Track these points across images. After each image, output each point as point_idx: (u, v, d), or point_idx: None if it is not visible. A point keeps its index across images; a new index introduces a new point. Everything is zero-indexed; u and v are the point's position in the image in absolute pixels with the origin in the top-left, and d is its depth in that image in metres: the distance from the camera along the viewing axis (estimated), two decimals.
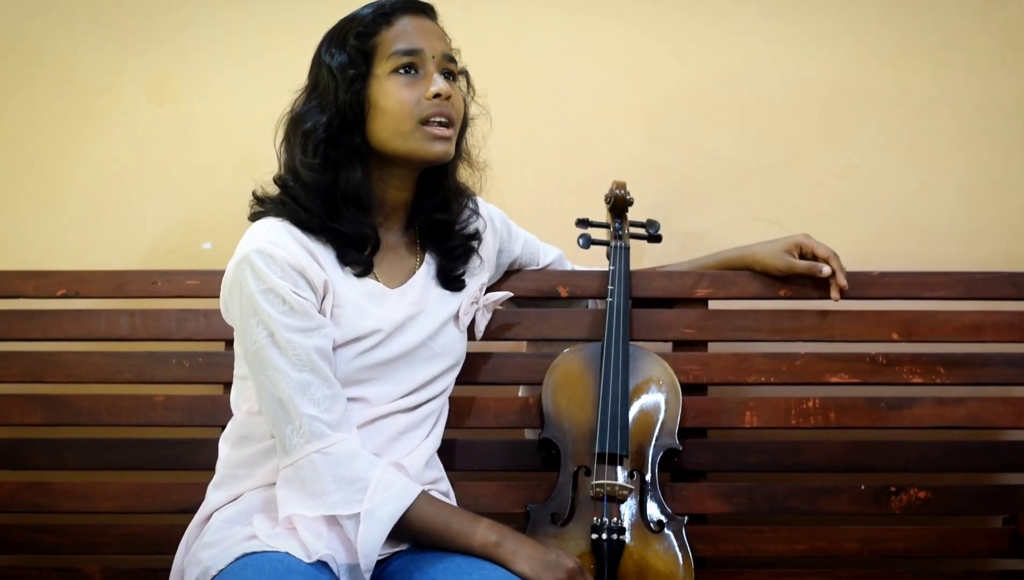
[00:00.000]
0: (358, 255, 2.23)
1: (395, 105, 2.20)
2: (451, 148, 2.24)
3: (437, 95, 2.20)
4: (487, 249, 2.45)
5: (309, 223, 2.20)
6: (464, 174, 2.38)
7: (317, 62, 2.27)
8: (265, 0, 2.95)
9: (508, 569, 2.08)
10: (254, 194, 2.27)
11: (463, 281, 2.37)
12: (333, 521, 2.11)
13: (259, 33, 2.93)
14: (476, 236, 2.40)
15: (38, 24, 2.95)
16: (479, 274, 2.42)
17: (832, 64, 2.93)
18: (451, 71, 2.26)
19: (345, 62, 2.21)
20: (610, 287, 2.55)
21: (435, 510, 2.14)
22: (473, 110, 2.36)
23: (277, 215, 2.21)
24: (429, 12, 2.28)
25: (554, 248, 2.65)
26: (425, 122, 2.20)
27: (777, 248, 2.61)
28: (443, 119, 2.21)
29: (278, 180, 2.26)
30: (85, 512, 2.61)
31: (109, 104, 2.94)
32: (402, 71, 2.21)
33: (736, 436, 2.66)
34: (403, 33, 2.22)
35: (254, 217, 2.25)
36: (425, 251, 2.35)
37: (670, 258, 2.76)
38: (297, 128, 2.24)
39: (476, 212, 2.41)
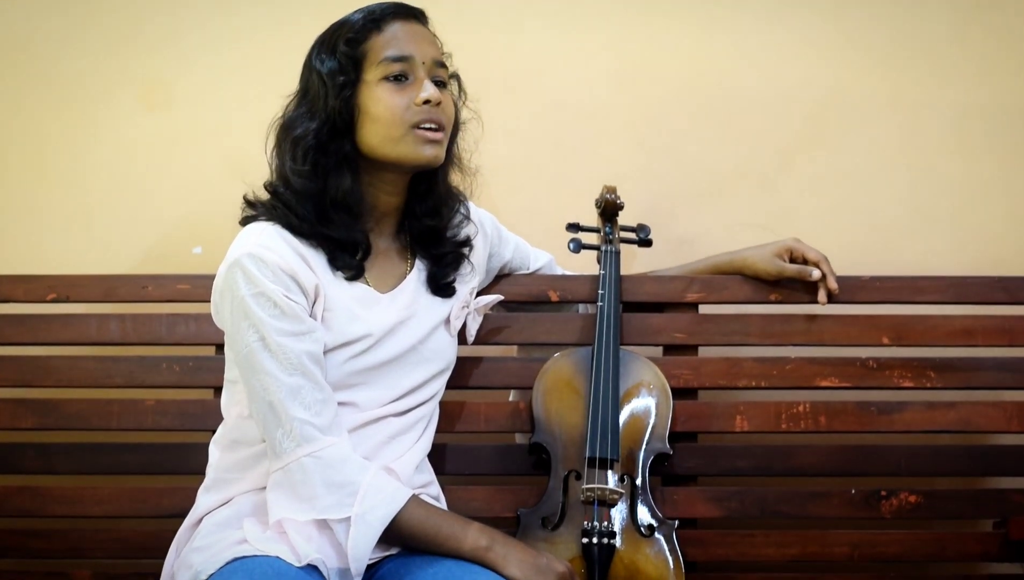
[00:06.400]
0: (349, 259, 2.23)
1: (385, 111, 2.19)
2: (442, 152, 2.24)
3: (427, 101, 2.20)
4: (477, 254, 2.45)
5: (300, 228, 2.20)
6: (455, 179, 2.38)
7: (308, 67, 2.26)
8: (256, 6, 2.95)
9: (499, 573, 2.09)
10: (245, 198, 2.27)
11: (453, 287, 2.37)
12: (323, 525, 2.11)
13: (250, 39, 2.93)
14: (467, 243, 2.40)
15: (28, 30, 2.95)
16: (469, 279, 2.42)
17: (823, 69, 2.93)
18: (441, 78, 2.26)
19: (335, 68, 2.21)
20: (600, 291, 2.55)
21: (425, 514, 2.14)
22: (465, 115, 2.35)
23: (268, 219, 2.21)
24: (420, 17, 2.28)
25: (544, 252, 2.66)
26: (415, 127, 2.20)
27: (767, 252, 2.61)
28: (433, 124, 2.21)
29: (269, 186, 2.25)
30: (75, 516, 2.60)
31: (100, 109, 2.94)
32: (392, 78, 2.20)
33: (727, 440, 2.66)
34: (393, 39, 2.22)
35: (244, 221, 2.25)
36: (416, 257, 2.35)
37: (660, 262, 2.76)
38: (287, 134, 2.23)
39: (467, 218, 2.41)
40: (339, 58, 2.21)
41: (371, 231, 2.28)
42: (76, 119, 2.94)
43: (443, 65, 2.27)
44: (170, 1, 2.95)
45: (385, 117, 2.20)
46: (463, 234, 2.40)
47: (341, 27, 2.24)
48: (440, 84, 2.25)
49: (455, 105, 2.31)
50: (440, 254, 2.35)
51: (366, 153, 2.23)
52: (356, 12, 2.25)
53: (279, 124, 2.27)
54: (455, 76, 2.33)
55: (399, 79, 2.21)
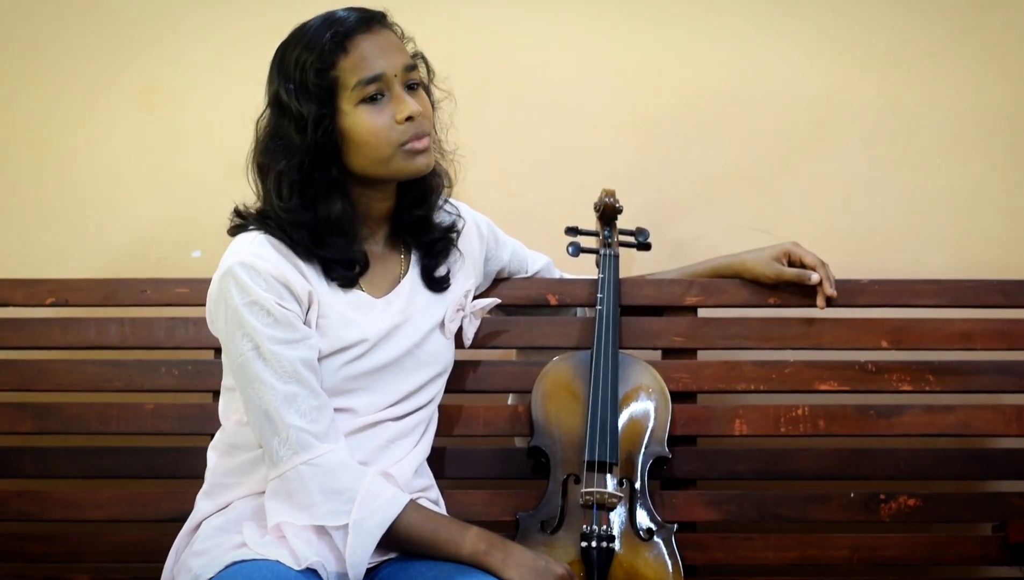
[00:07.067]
0: (346, 272, 2.22)
1: (369, 136, 2.16)
2: (432, 156, 2.22)
3: (409, 117, 2.17)
4: (473, 252, 2.44)
5: (294, 247, 2.18)
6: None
7: (275, 91, 2.19)
8: (255, 8, 2.95)
9: (497, 577, 2.08)
10: (236, 211, 2.25)
11: (448, 280, 2.36)
12: (322, 529, 2.11)
13: (249, 41, 2.92)
14: (453, 228, 2.38)
15: (27, 31, 2.95)
16: (463, 277, 2.41)
17: (821, 73, 2.94)
18: (415, 80, 2.21)
19: (307, 98, 2.15)
20: (599, 295, 2.55)
21: (424, 519, 2.14)
22: (436, 95, 2.29)
23: (260, 229, 2.20)
24: (382, 20, 2.22)
25: (542, 255, 2.65)
26: (402, 145, 2.17)
27: (766, 256, 2.61)
28: (418, 135, 2.18)
29: (260, 214, 2.22)
30: (75, 521, 2.60)
31: (99, 112, 2.94)
32: (369, 99, 2.16)
33: (726, 444, 2.65)
34: (362, 60, 2.16)
35: (234, 231, 2.23)
36: (409, 252, 2.34)
37: (659, 266, 2.76)
38: (270, 166, 2.19)
39: (457, 216, 2.39)
40: (310, 88, 2.15)
41: (365, 240, 2.28)
42: (75, 121, 2.94)
43: (413, 67, 2.22)
44: (169, 4, 2.95)
45: (370, 141, 2.16)
46: (448, 220, 2.37)
47: (305, 50, 2.17)
48: (415, 86, 2.21)
49: (427, 90, 2.26)
50: (430, 241, 2.34)
51: (356, 173, 2.20)
52: (317, 27, 2.18)
53: (256, 152, 2.22)
54: (420, 56, 2.26)
55: (375, 99, 2.17)
